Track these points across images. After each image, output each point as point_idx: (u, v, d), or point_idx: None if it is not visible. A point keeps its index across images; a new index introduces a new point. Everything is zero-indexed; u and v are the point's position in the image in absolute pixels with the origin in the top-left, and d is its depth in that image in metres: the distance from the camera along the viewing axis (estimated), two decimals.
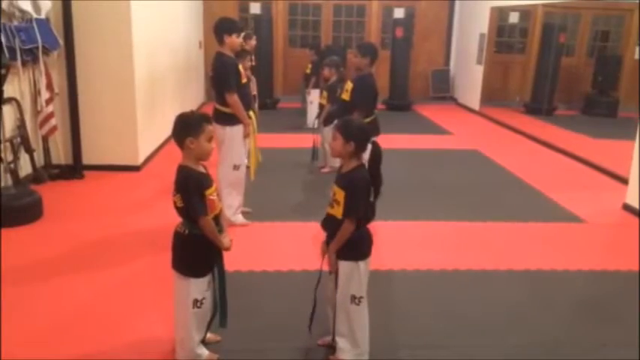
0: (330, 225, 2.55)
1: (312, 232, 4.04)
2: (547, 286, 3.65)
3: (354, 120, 2.71)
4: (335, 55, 7.62)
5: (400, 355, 2.82)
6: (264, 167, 6.19)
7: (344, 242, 2.49)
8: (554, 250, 4.24)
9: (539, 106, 10.54)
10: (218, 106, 4.30)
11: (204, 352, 2.63)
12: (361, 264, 2.54)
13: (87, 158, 5.76)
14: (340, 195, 2.47)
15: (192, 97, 9.60)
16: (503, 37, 11.79)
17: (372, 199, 2.53)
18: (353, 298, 2.54)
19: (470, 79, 11.09)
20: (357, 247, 2.52)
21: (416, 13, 11.59)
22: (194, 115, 2.50)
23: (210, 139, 2.45)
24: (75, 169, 5.67)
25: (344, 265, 2.53)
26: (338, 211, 2.48)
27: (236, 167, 4.34)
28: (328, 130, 6.13)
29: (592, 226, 4.83)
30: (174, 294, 2.55)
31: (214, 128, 2.65)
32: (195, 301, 2.48)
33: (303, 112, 9.10)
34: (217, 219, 2.50)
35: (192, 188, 2.38)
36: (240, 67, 4.34)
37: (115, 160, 5.86)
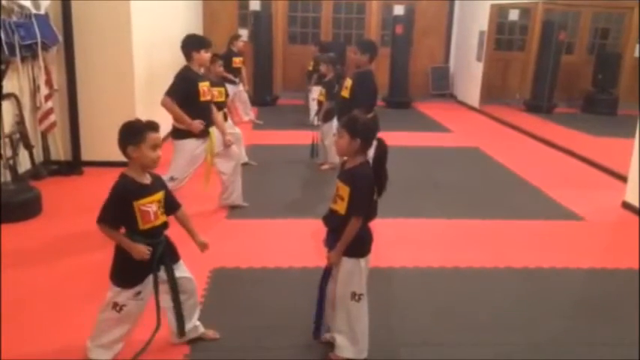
0: (332, 220, 2.54)
1: (312, 228, 4.04)
2: (546, 284, 3.65)
3: (360, 116, 2.57)
4: (334, 52, 7.60)
5: (399, 353, 2.82)
6: (263, 164, 6.20)
7: (350, 241, 2.47)
8: (554, 248, 4.24)
9: (539, 104, 10.54)
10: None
11: None
12: (362, 261, 2.53)
13: (86, 154, 5.75)
14: (344, 190, 2.45)
15: None
16: (503, 35, 11.79)
17: (375, 197, 2.51)
18: (353, 295, 2.54)
19: (470, 76, 11.08)
20: (358, 245, 2.51)
21: (416, 10, 11.57)
22: (137, 122, 2.43)
23: (154, 147, 2.37)
24: (74, 165, 5.66)
25: (345, 262, 2.52)
26: (341, 207, 2.47)
27: (172, 179, 4.13)
28: (327, 127, 6.14)
29: (591, 224, 4.83)
30: None
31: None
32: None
33: (303, 109, 9.07)
34: (155, 231, 2.45)
35: (112, 195, 2.37)
36: (203, 86, 4.29)
37: (115, 156, 5.70)
